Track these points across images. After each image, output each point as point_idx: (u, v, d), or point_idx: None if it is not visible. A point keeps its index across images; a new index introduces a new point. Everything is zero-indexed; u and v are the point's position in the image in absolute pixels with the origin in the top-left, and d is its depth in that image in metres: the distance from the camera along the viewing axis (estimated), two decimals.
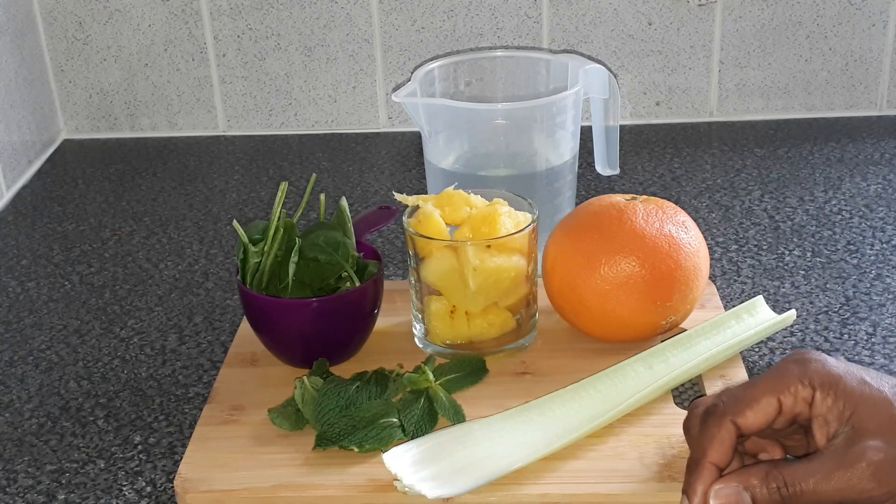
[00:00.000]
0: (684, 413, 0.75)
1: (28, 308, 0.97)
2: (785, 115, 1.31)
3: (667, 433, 0.73)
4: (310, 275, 0.81)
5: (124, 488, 0.73)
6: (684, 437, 0.65)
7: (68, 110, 1.34)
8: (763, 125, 1.30)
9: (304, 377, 0.76)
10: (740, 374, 0.79)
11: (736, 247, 1.01)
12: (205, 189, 1.20)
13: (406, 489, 0.67)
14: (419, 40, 1.28)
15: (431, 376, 0.75)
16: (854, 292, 0.92)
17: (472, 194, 0.83)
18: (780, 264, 0.98)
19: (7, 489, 0.74)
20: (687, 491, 0.61)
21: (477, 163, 0.96)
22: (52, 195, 1.20)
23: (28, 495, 0.73)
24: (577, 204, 0.95)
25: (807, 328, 0.87)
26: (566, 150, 0.94)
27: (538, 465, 0.70)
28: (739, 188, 1.14)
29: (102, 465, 0.76)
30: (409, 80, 0.93)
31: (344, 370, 0.79)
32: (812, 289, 0.93)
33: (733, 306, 0.84)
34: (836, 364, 0.61)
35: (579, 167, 0.98)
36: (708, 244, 0.83)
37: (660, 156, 1.23)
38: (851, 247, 1.00)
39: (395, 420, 0.73)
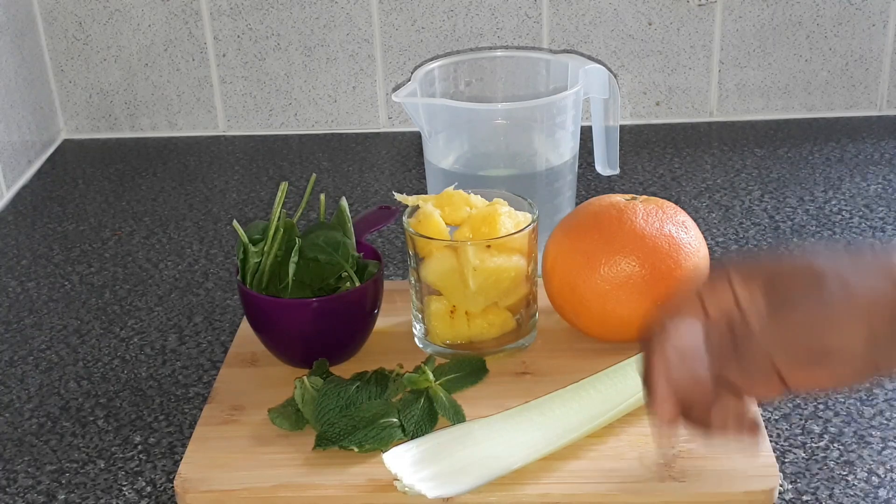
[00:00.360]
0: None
1: (28, 308, 0.97)
2: (785, 115, 1.31)
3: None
4: (310, 275, 0.81)
5: (124, 488, 0.73)
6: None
7: (68, 110, 1.34)
8: (763, 125, 1.30)
9: (304, 377, 0.76)
10: None
11: (736, 247, 1.01)
12: (205, 189, 1.20)
13: (406, 489, 0.67)
14: (419, 40, 1.28)
15: (431, 376, 0.75)
16: None
17: (472, 194, 0.83)
18: None
19: (7, 489, 0.74)
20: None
21: (477, 163, 0.96)
22: (52, 195, 1.20)
23: (28, 495, 0.73)
24: (577, 204, 0.95)
25: None
26: (566, 150, 0.94)
27: (538, 465, 0.70)
28: (739, 188, 1.14)
29: (102, 465, 0.76)
30: (409, 80, 0.93)
31: (344, 370, 0.79)
32: None
33: None
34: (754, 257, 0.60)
35: (579, 167, 0.98)
36: (708, 244, 0.83)
37: (660, 156, 1.23)
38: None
39: (395, 420, 0.73)
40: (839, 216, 1.07)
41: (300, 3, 1.27)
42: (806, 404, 0.79)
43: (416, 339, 0.84)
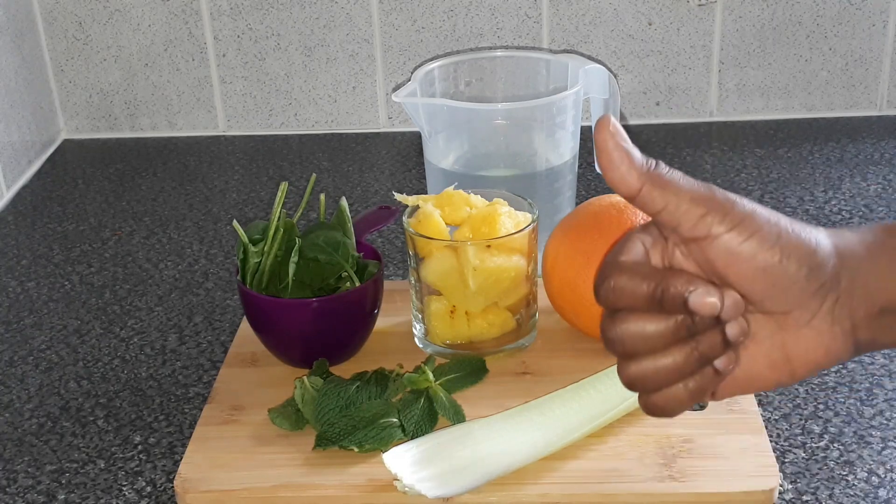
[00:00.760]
0: (684, 413, 0.75)
1: (28, 308, 0.97)
2: (785, 115, 1.31)
3: (667, 433, 0.73)
4: (310, 275, 0.81)
5: (124, 488, 0.73)
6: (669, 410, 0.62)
7: (68, 110, 1.34)
8: (763, 125, 1.30)
9: (304, 377, 0.76)
10: None
11: None
12: (205, 189, 1.20)
13: (406, 489, 0.67)
14: (419, 40, 1.28)
15: (431, 376, 0.75)
16: None
17: (472, 194, 0.83)
18: None
19: (7, 489, 0.74)
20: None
21: (477, 163, 0.96)
22: (52, 195, 1.20)
23: (28, 495, 0.73)
24: (577, 204, 0.95)
25: None
26: (566, 150, 0.94)
27: (538, 465, 0.70)
28: (739, 188, 1.14)
29: (102, 465, 0.76)
30: (409, 80, 0.93)
31: (344, 370, 0.79)
32: None
33: None
34: None
35: (579, 167, 0.98)
36: None
37: (660, 156, 1.22)
38: None
39: (395, 420, 0.73)
40: (839, 216, 1.07)
41: (300, 3, 1.27)
42: (806, 404, 0.79)
43: (416, 339, 0.84)
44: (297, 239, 0.81)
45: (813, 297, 0.53)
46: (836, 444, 0.75)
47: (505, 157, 0.97)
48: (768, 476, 0.69)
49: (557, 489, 0.69)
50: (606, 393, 0.73)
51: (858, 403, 0.79)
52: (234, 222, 0.82)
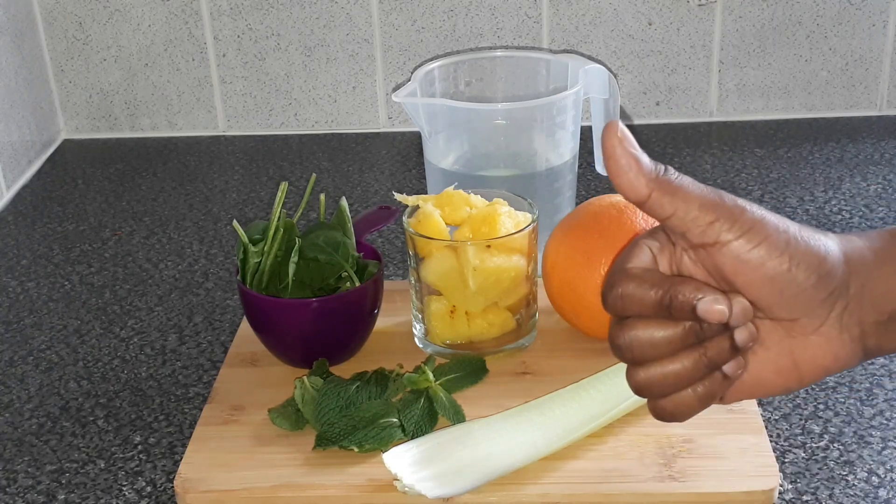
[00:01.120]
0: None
1: (28, 308, 0.97)
2: (785, 115, 1.31)
3: (667, 433, 0.73)
4: (310, 275, 0.81)
5: (124, 488, 0.73)
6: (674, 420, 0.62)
7: (68, 110, 1.34)
8: (763, 125, 1.30)
9: (304, 377, 0.76)
10: None
11: None
12: (205, 189, 1.20)
13: (406, 489, 0.67)
14: (419, 40, 1.28)
15: (431, 376, 0.75)
16: None
17: (472, 194, 0.83)
18: None
19: (7, 489, 0.74)
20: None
21: (477, 163, 0.96)
22: (52, 195, 1.20)
23: (28, 495, 0.73)
24: (577, 204, 0.95)
25: None
26: (566, 150, 0.94)
27: (538, 465, 0.70)
28: (739, 188, 1.14)
29: (102, 465, 0.76)
30: (409, 80, 0.93)
31: (344, 370, 0.79)
32: None
33: None
34: None
35: (579, 167, 0.98)
36: None
37: (660, 156, 1.23)
38: None
39: (395, 420, 0.73)
40: (839, 216, 1.07)
41: (300, 3, 1.27)
42: (806, 404, 0.79)
43: (416, 339, 0.84)
44: (297, 239, 0.81)
45: (822, 304, 0.53)
46: (836, 444, 0.75)
47: (505, 157, 0.97)
48: (768, 476, 0.69)
49: (557, 489, 0.69)
50: (606, 393, 0.73)
51: (858, 403, 0.79)
52: (234, 222, 0.82)
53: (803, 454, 0.74)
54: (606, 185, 1.14)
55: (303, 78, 1.30)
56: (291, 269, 0.80)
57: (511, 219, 0.80)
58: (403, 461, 0.68)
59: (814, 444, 0.75)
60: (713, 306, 0.51)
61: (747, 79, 1.29)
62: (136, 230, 1.11)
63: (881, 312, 0.54)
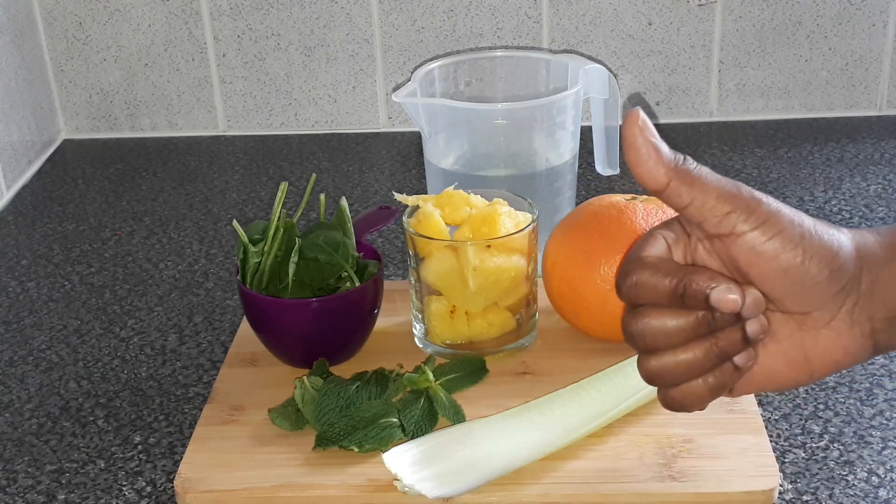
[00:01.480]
0: (684, 413, 0.75)
1: (28, 308, 0.97)
2: (785, 115, 1.31)
3: (667, 433, 0.73)
4: (310, 275, 0.81)
5: (124, 488, 0.73)
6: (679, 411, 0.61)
7: (68, 110, 1.34)
8: (763, 125, 1.30)
9: (304, 377, 0.76)
10: None
11: None
12: (205, 189, 1.20)
13: (406, 489, 0.67)
14: (419, 40, 1.28)
15: (431, 376, 0.75)
16: None
17: (472, 194, 0.83)
18: None
19: (7, 489, 0.74)
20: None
21: (477, 163, 0.96)
22: (52, 195, 1.20)
23: (28, 495, 0.73)
24: (577, 204, 0.95)
25: None
26: (566, 150, 0.94)
27: (538, 465, 0.70)
28: None
29: (102, 465, 0.76)
30: (409, 80, 0.93)
31: (344, 370, 0.79)
32: None
33: None
34: None
35: (579, 167, 0.98)
36: None
37: None
38: None
39: (395, 420, 0.73)
40: (839, 216, 1.07)
41: (300, 3, 1.27)
42: (806, 404, 0.79)
43: (416, 339, 0.84)
44: (297, 239, 0.81)
45: (833, 299, 0.54)
46: (836, 444, 0.75)
47: (505, 157, 0.97)
48: (768, 476, 0.69)
49: (557, 489, 0.69)
50: (606, 393, 0.73)
51: (858, 403, 0.79)
52: (234, 222, 0.82)
53: (803, 454, 0.74)
54: (606, 185, 1.14)
55: (303, 78, 1.30)
56: (291, 269, 0.80)
57: (511, 219, 0.80)
58: (403, 461, 0.68)
59: (814, 444, 0.75)
60: (726, 295, 0.51)
61: (747, 79, 1.29)
62: (136, 230, 1.11)
63: (891, 308, 0.54)
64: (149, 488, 0.73)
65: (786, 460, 0.73)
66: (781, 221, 0.52)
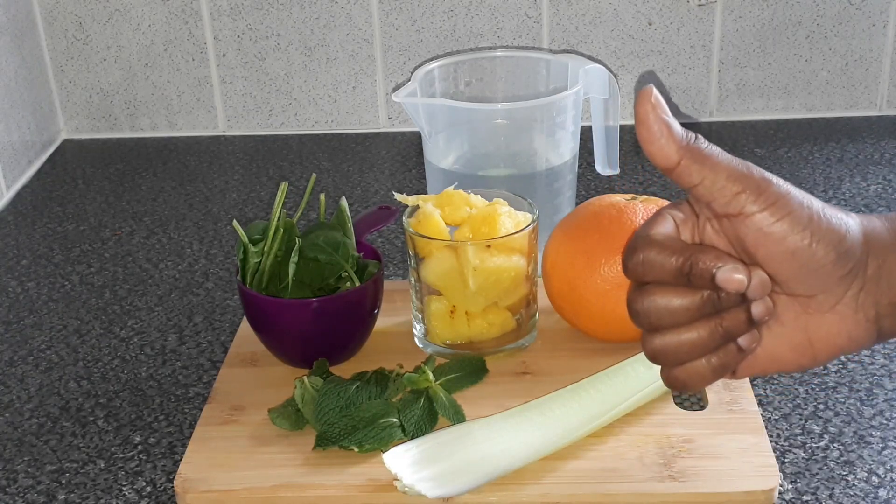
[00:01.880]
0: (684, 413, 0.75)
1: (28, 308, 0.97)
2: (785, 115, 1.31)
3: (667, 433, 0.73)
4: (310, 275, 0.81)
5: (124, 488, 0.73)
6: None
7: (68, 110, 1.34)
8: (763, 125, 1.30)
9: (304, 377, 0.76)
10: None
11: None
12: (205, 189, 1.20)
13: (406, 489, 0.67)
14: (419, 40, 1.28)
15: (431, 376, 0.75)
16: None
17: (472, 194, 0.83)
18: None
19: (7, 489, 0.74)
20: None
21: (477, 163, 0.96)
22: (52, 195, 1.20)
23: (28, 495, 0.73)
24: (577, 204, 0.95)
25: None
26: (566, 150, 0.94)
27: (538, 465, 0.70)
28: None
29: (102, 465, 0.76)
30: (409, 80, 0.93)
31: (344, 370, 0.79)
32: None
33: None
34: None
35: (579, 167, 0.98)
36: None
37: None
38: None
39: (395, 420, 0.73)
40: None
41: (300, 3, 1.27)
42: (806, 404, 0.79)
43: (416, 339, 0.84)
44: (297, 239, 0.81)
45: (839, 282, 0.54)
46: (836, 444, 0.75)
47: (505, 157, 0.97)
48: (768, 476, 0.69)
49: (557, 489, 0.69)
50: (606, 393, 0.73)
51: (858, 403, 0.79)
52: (234, 222, 0.82)
53: (803, 454, 0.74)
54: (606, 185, 1.14)
55: (303, 78, 1.30)
56: (291, 269, 0.80)
57: (511, 219, 0.80)
58: (403, 461, 0.68)
59: (814, 444, 0.75)
60: (732, 275, 0.51)
61: (747, 79, 1.29)
62: (136, 230, 1.11)
63: None
64: (149, 488, 0.73)
65: (786, 460, 0.73)
66: (791, 203, 0.52)
